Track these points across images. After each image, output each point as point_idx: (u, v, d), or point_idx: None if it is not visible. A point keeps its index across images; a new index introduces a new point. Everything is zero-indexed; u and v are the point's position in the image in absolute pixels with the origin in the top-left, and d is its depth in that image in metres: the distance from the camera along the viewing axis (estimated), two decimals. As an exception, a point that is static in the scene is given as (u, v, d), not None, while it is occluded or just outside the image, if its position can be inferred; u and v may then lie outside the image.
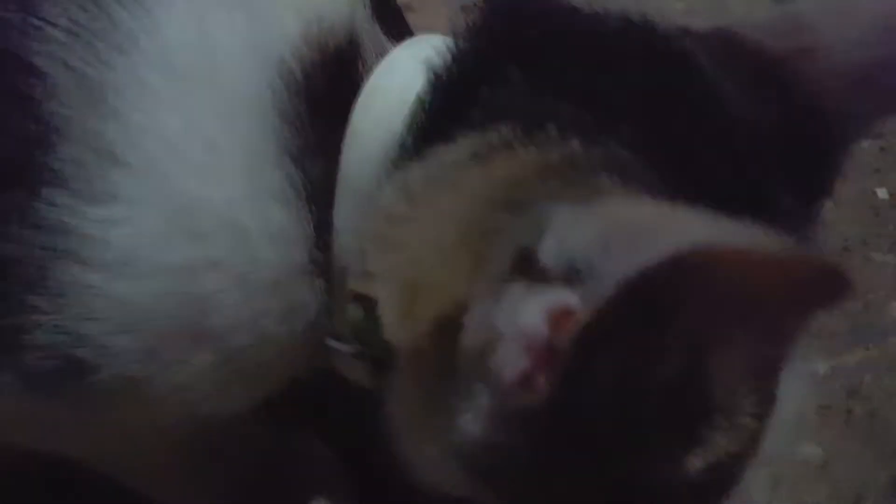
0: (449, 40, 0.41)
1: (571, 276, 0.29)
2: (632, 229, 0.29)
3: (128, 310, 0.37)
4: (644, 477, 0.36)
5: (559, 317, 0.29)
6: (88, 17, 0.37)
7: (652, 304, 0.29)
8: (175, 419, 0.42)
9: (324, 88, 0.39)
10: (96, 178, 0.36)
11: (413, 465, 0.39)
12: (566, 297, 0.29)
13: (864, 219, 0.81)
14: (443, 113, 0.38)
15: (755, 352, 0.33)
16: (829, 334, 0.72)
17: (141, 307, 0.38)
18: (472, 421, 0.34)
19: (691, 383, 0.33)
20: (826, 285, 0.27)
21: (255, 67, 0.38)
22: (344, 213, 0.39)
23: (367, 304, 0.38)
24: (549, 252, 0.30)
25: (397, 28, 0.44)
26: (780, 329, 0.32)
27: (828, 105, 0.41)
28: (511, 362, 0.31)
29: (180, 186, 0.37)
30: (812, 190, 0.42)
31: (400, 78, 0.40)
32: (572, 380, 0.31)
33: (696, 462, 0.36)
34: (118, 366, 0.38)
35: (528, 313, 0.30)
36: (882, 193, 0.83)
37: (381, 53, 0.42)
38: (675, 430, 0.35)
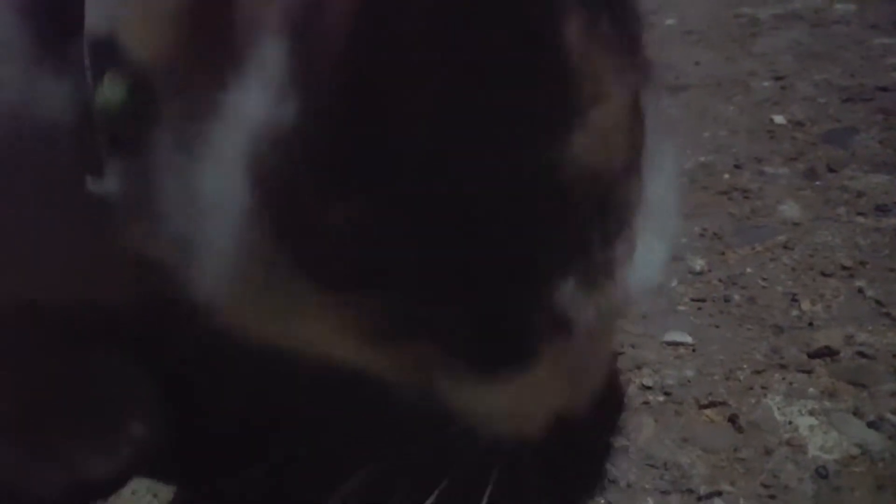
0: None
1: None
2: None
3: None
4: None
5: None
6: None
7: None
8: None
9: None
10: None
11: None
12: None
13: (759, 140, 0.78)
14: None
15: None
16: (710, 235, 0.68)
17: None
18: (260, 101, 0.31)
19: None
20: None
21: None
22: None
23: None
24: None
25: None
26: None
27: None
28: None
29: None
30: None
31: None
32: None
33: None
34: None
35: None
36: (779, 119, 0.80)
37: None
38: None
